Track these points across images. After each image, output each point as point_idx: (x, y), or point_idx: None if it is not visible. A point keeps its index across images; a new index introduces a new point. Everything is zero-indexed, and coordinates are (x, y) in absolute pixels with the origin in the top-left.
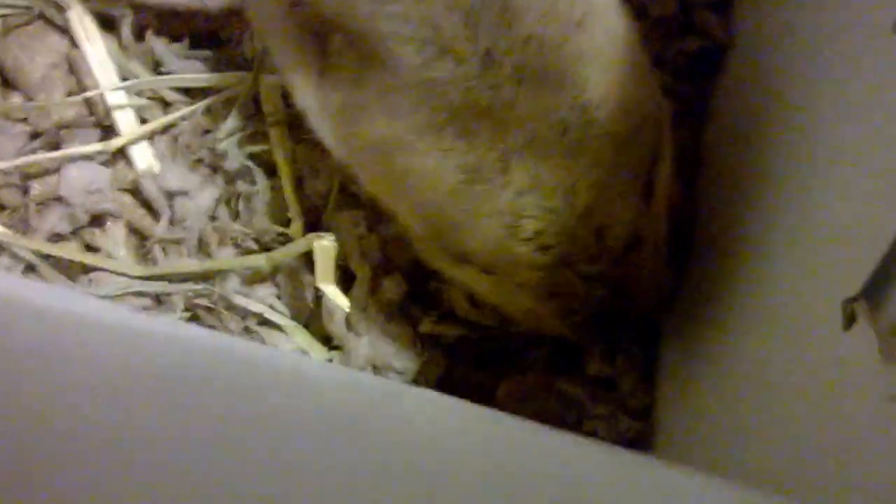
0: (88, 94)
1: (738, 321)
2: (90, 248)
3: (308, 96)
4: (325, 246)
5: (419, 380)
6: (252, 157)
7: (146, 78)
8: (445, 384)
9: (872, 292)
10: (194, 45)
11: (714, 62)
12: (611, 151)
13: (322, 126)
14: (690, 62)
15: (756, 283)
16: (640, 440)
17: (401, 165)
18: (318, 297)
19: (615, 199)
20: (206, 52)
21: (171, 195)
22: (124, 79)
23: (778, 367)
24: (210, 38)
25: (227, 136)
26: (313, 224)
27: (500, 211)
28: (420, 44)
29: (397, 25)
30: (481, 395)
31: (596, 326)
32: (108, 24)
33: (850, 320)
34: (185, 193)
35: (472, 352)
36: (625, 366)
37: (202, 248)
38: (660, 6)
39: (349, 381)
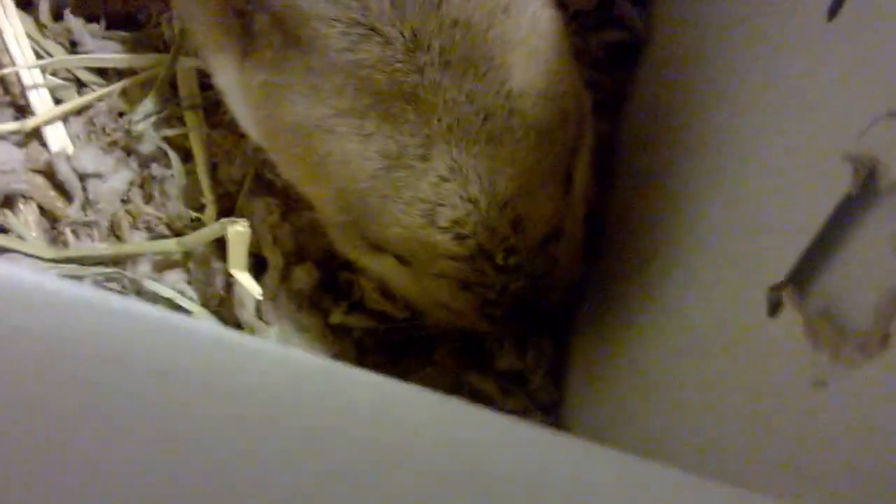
0: (3, 71)
1: (656, 314)
2: (1, 230)
3: (229, 77)
4: (238, 231)
5: None
6: (167, 140)
7: (63, 57)
8: None
9: (799, 279)
10: (111, 26)
11: (633, 54)
12: (532, 141)
13: (241, 108)
14: (609, 54)
15: (675, 274)
16: None
17: (321, 149)
18: (230, 283)
19: (535, 190)
20: (124, 34)
21: (84, 177)
22: (40, 58)
23: (700, 359)
24: (127, 20)
25: (143, 118)
26: (227, 210)
27: (420, 198)
28: (346, 24)
29: (323, 5)
30: None
31: (511, 319)
32: (25, 2)
33: (775, 307)
34: (98, 176)
35: (381, 344)
36: (535, 360)
37: (114, 231)
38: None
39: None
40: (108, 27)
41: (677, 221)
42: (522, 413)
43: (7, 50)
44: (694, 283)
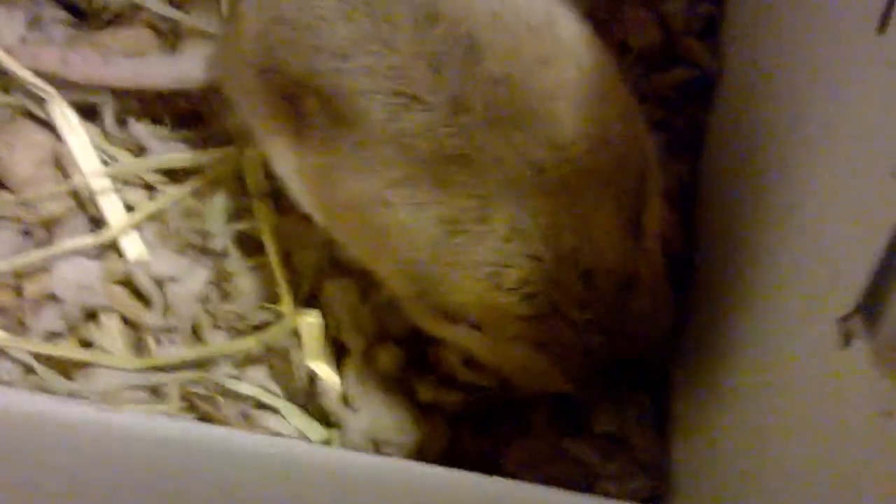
0: (73, 183)
1: (744, 355)
2: (86, 344)
3: (285, 163)
4: (310, 324)
5: (422, 452)
6: (239, 234)
7: (132, 164)
8: (449, 455)
9: (867, 308)
10: (177, 125)
11: (704, 90)
12: (592, 189)
13: (300, 192)
14: (680, 93)
15: (759, 313)
16: (654, 498)
17: (378, 223)
18: (312, 374)
19: (601, 239)
20: (189, 133)
21: (161, 282)
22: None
23: (783, 396)
24: (193, 117)
25: (215, 215)
26: (306, 297)
27: (483, 261)
28: (386, 95)
29: (362, 79)
30: (487, 463)
31: (598, 377)
32: (90, 113)
33: (847, 338)
34: (175, 280)
35: (474, 417)
36: (634, 419)
37: (196, 333)
38: (641, 38)
39: (345, 464)
40: (174, 127)
41: (761, 251)
42: (622, 477)
43: (75, 162)
44: (777, 319)
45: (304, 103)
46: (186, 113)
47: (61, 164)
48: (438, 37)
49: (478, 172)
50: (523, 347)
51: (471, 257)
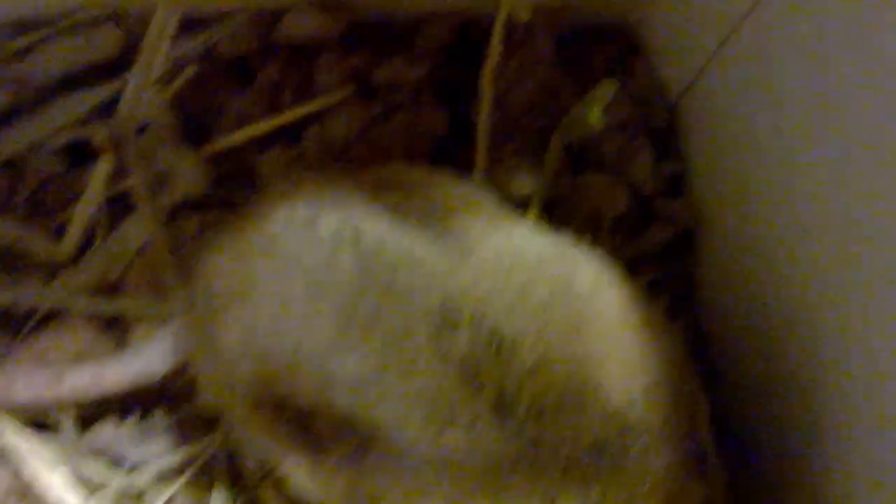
0: None
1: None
2: None
3: (303, 486)
4: None
5: None
6: None
7: (109, 477)
8: None
9: None
10: (146, 411)
11: (687, 245)
12: (657, 447)
13: None
14: (665, 248)
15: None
16: None
17: None
18: None
19: (680, 496)
20: (164, 422)
21: None
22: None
23: None
24: (162, 400)
25: None
26: None
27: None
28: (420, 420)
29: (387, 407)
30: None
31: None
32: (45, 426)
33: None
34: None
35: None
36: None
37: None
38: (612, 206)
39: None
40: (142, 415)
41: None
42: None
43: (44, 494)
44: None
45: (316, 426)
46: (155, 399)
47: (32, 501)
48: (463, 343)
49: (536, 470)
50: None
51: None
